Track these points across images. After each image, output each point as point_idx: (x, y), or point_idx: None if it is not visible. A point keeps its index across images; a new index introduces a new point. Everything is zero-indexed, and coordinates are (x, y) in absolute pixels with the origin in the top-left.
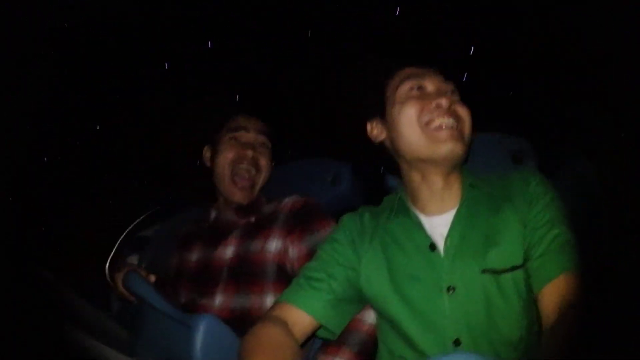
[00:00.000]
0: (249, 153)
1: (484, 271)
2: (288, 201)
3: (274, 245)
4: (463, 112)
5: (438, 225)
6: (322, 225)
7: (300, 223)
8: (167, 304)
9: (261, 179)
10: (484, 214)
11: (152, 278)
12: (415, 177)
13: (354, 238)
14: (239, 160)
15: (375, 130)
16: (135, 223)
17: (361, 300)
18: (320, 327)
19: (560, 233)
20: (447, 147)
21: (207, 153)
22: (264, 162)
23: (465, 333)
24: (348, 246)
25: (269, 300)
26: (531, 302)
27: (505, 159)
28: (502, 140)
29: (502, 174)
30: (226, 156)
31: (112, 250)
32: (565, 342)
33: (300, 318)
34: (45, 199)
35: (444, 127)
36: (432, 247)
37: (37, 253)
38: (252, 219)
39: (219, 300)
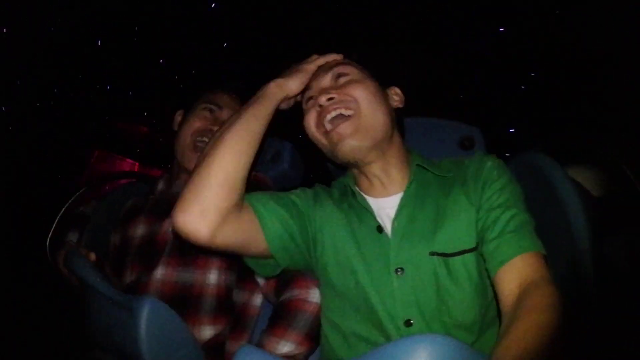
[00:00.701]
0: (214, 129)
1: (432, 254)
2: None
3: None
4: (354, 92)
5: (385, 207)
6: None
7: None
8: (107, 286)
9: None
10: (433, 196)
11: (92, 257)
12: (353, 170)
13: (314, 204)
14: (202, 133)
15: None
16: (72, 199)
17: (306, 261)
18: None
19: (517, 213)
20: (343, 146)
21: (178, 117)
22: None
23: (416, 314)
24: (309, 207)
25: (212, 277)
26: (485, 285)
27: (453, 144)
28: (451, 126)
29: (458, 160)
30: (192, 124)
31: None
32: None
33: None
34: None
35: (333, 126)
36: (380, 229)
37: None
38: None
39: (160, 273)
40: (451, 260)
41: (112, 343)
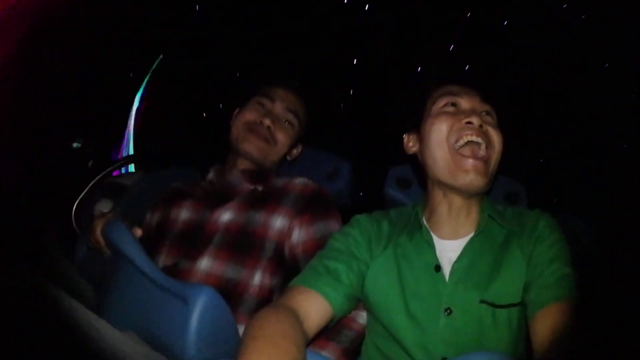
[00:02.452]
0: (266, 121)
1: (482, 301)
2: (300, 182)
3: (278, 222)
4: (495, 136)
5: (448, 249)
6: (333, 216)
7: (312, 208)
8: (156, 269)
9: (274, 153)
10: (494, 247)
11: (139, 232)
12: (437, 194)
13: (370, 238)
14: (253, 125)
15: (410, 142)
16: (112, 167)
17: (359, 299)
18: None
19: (561, 267)
20: (468, 178)
21: (236, 112)
22: (280, 136)
23: (452, 354)
24: (364, 244)
25: (257, 278)
26: (521, 338)
27: (499, 198)
28: (499, 180)
29: (516, 209)
30: (244, 116)
31: (80, 192)
32: None
33: (318, 307)
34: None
35: (470, 154)
36: (437, 268)
37: None
38: (260, 188)
39: (205, 264)
40: (498, 311)
41: (141, 327)
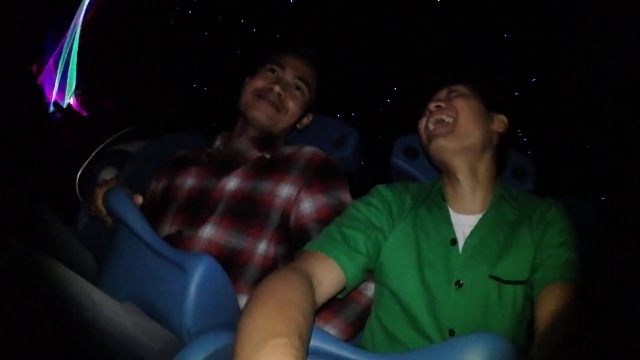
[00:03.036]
0: (276, 88)
1: (491, 276)
2: (309, 150)
3: (285, 190)
4: (457, 104)
5: (463, 224)
6: (343, 186)
7: (321, 177)
8: (156, 237)
9: (283, 120)
10: (506, 226)
11: (140, 199)
12: (444, 176)
13: (391, 209)
14: (263, 92)
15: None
16: (117, 135)
17: (372, 270)
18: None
19: (567, 252)
20: (434, 143)
21: (246, 80)
22: (291, 104)
23: (459, 326)
24: (384, 214)
25: (261, 247)
26: (524, 318)
27: (507, 173)
28: (510, 155)
29: (530, 195)
30: (253, 83)
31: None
32: (558, 346)
33: (333, 275)
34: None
35: (432, 125)
36: (453, 242)
37: None
38: (267, 155)
39: (208, 232)
40: (504, 287)
41: (139, 297)
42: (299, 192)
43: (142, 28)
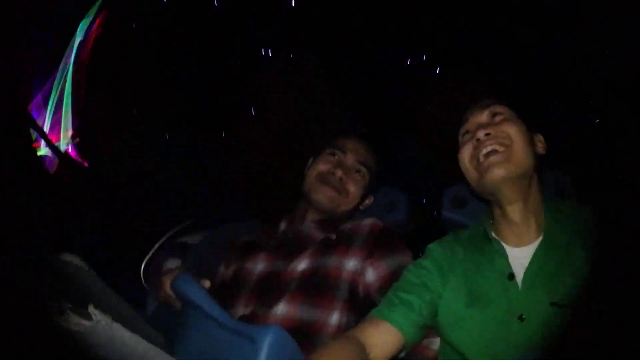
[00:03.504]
0: (338, 172)
1: (552, 304)
2: (367, 223)
3: (351, 264)
4: (508, 129)
5: (518, 256)
6: (402, 250)
7: (381, 245)
8: (225, 313)
9: (344, 203)
10: (561, 246)
11: (207, 284)
12: (495, 210)
13: (441, 266)
14: (326, 176)
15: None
16: (178, 227)
17: (430, 327)
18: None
19: None
20: (491, 174)
21: (309, 163)
22: (352, 187)
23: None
24: (436, 274)
25: (334, 318)
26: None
27: (549, 193)
28: (547, 175)
29: (575, 205)
30: (316, 167)
31: (147, 253)
32: None
33: (388, 336)
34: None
35: (485, 157)
36: (511, 276)
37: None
38: (333, 236)
39: (281, 309)
40: (567, 311)
41: None
42: (363, 263)
43: (141, 68)
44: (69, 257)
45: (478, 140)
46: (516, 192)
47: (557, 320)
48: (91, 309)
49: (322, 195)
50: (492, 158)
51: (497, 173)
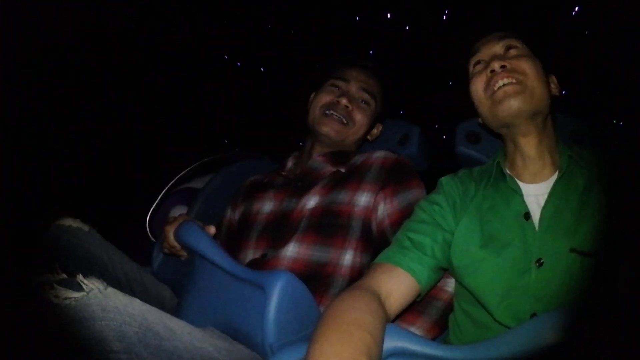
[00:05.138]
0: (343, 100)
1: (572, 250)
2: (379, 155)
3: (363, 198)
4: (524, 65)
5: (533, 194)
6: (416, 184)
7: (394, 179)
8: (232, 260)
9: (352, 133)
10: (579, 190)
11: (212, 230)
12: (509, 145)
13: (455, 201)
14: (331, 106)
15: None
16: (182, 173)
17: (446, 268)
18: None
19: None
20: (507, 104)
21: (312, 97)
22: (358, 116)
23: (541, 310)
24: (449, 210)
25: (347, 257)
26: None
27: (565, 138)
28: (563, 120)
29: (590, 150)
30: (320, 99)
31: (152, 202)
32: None
33: (404, 284)
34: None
35: (499, 89)
36: (527, 216)
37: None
38: (342, 169)
39: (292, 250)
40: (587, 260)
41: (220, 321)
42: (376, 198)
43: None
44: (69, 222)
45: (493, 71)
46: (531, 125)
47: (577, 268)
48: (80, 278)
49: (329, 128)
50: (508, 88)
51: (513, 103)
